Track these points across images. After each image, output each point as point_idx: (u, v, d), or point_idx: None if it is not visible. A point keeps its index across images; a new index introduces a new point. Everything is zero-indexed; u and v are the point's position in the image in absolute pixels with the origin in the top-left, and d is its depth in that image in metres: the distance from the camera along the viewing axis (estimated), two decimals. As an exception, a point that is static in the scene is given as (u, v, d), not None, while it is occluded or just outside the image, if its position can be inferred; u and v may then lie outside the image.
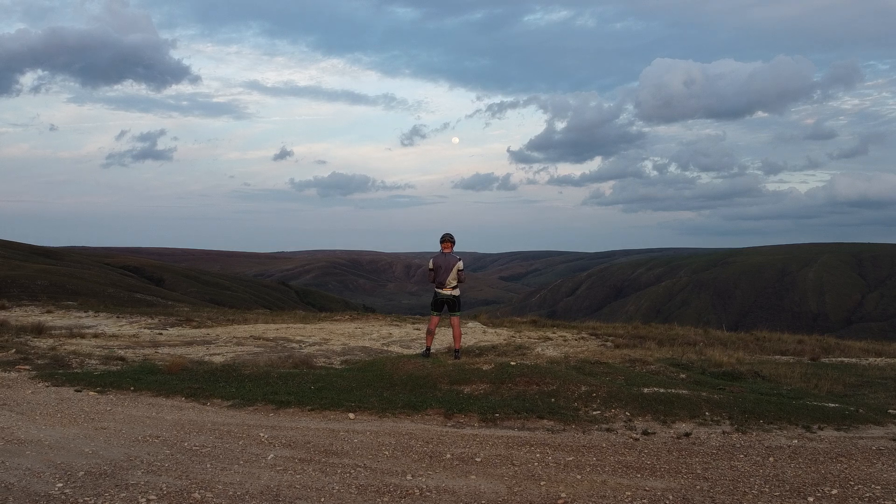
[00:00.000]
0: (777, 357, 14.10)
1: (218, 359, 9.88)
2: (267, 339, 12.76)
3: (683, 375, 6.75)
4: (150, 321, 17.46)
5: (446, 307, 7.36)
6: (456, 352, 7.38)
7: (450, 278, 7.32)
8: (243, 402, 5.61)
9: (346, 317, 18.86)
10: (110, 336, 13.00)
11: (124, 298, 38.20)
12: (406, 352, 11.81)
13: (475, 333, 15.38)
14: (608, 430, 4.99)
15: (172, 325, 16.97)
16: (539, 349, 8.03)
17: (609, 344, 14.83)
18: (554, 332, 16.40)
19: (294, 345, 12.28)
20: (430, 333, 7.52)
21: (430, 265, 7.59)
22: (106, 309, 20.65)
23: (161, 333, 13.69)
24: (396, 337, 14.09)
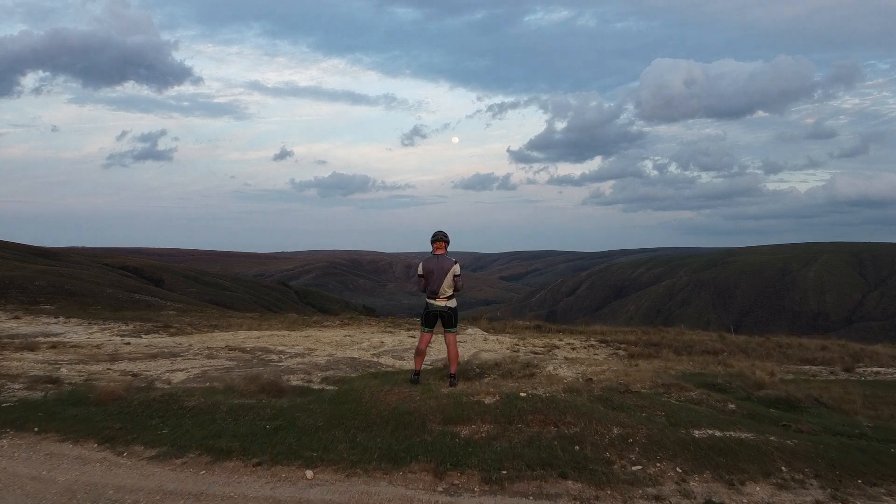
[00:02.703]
0: (807, 368, 12.78)
1: (179, 376, 8.55)
2: (243, 351, 11.41)
3: (732, 405, 5.43)
4: (124, 328, 16.13)
5: (440, 321, 6.02)
6: (451, 377, 6.03)
7: (444, 286, 5.95)
8: (172, 451, 4.27)
9: (337, 322, 17.52)
10: (71, 346, 11.66)
11: (123, 299, 37.40)
12: (398, 364, 10.48)
13: (475, 341, 14.06)
14: (657, 498, 3.65)
15: (148, 332, 15.64)
16: (550, 368, 6.73)
17: (622, 352, 13.54)
18: (560, 340, 15.11)
19: (273, 356, 10.95)
20: (420, 354, 6.15)
21: (420, 270, 6.21)
22: (84, 314, 19.31)
23: (129, 343, 12.34)
24: (389, 346, 12.77)
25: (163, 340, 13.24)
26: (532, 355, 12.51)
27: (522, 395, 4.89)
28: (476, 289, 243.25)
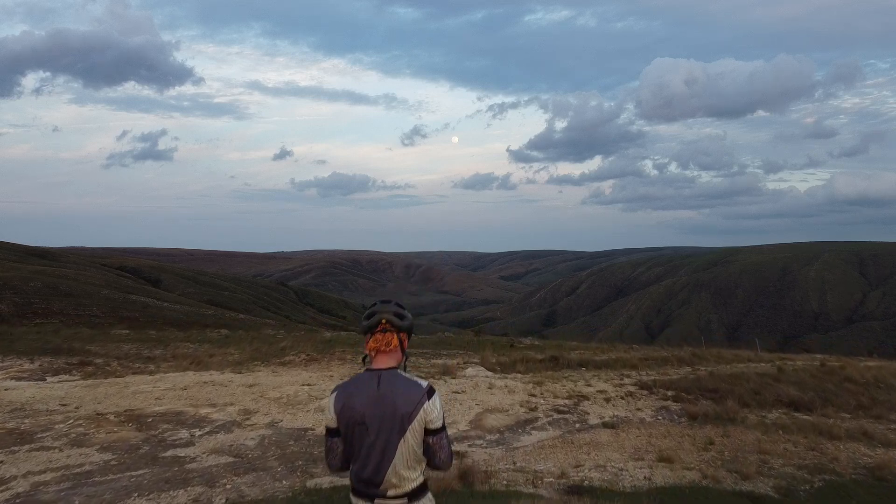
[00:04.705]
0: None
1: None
2: (141, 423, 7.86)
3: None
4: (27, 367, 12.58)
5: None
6: None
7: (397, 463, 2.05)
8: None
9: (303, 356, 13.95)
10: None
11: (119, 300, 35.81)
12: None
13: (478, 389, 10.56)
14: None
15: (56, 373, 12.10)
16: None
17: (672, 405, 10.10)
18: (587, 384, 11.66)
19: (182, 434, 7.45)
20: None
21: (331, 419, 2.17)
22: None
23: (-5, 403, 8.76)
24: (358, 404, 9.16)
25: (52, 392, 9.67)
26: (555, 415, 9.09)
27: None
28: (476, 288, 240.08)
